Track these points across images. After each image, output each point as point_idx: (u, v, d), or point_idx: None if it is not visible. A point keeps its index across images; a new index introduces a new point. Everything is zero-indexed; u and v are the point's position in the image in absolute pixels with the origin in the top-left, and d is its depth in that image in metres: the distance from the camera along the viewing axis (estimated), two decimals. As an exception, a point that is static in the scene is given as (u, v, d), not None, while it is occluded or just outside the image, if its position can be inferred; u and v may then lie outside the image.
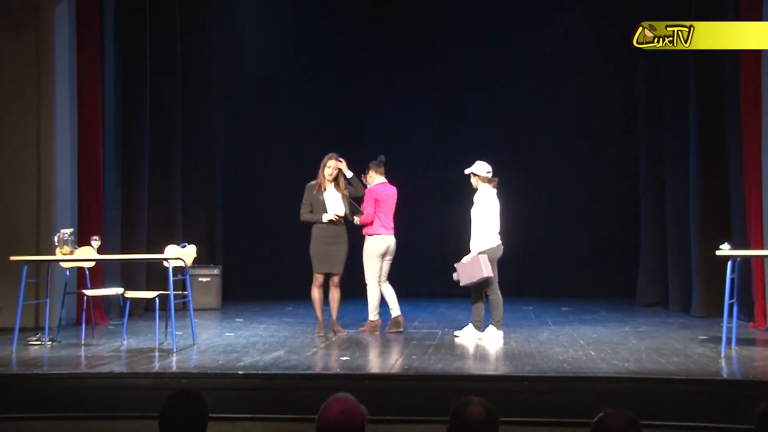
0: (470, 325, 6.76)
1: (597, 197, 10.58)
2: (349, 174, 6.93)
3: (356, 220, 7.05)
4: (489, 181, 6.74)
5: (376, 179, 7.14)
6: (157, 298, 6.33)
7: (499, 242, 6.69)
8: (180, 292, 6.67)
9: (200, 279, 9.17)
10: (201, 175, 9.91)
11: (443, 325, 7.55)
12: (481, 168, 6.74)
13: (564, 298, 10.05)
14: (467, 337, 6.68)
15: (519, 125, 10.53)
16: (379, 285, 7.03)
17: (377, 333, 6.96)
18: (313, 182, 6.92)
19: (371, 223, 7.00)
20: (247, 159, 10.75)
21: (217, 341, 6.55)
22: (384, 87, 10.68)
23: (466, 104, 10.61)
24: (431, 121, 10.78)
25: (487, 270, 6.47)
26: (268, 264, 10.71)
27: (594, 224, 10.56)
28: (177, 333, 6.33)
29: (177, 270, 6.31)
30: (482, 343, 6.44)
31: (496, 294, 6.64)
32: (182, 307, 8.20)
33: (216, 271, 9.32)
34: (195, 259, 6.61)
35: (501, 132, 10.39)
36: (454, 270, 6.63)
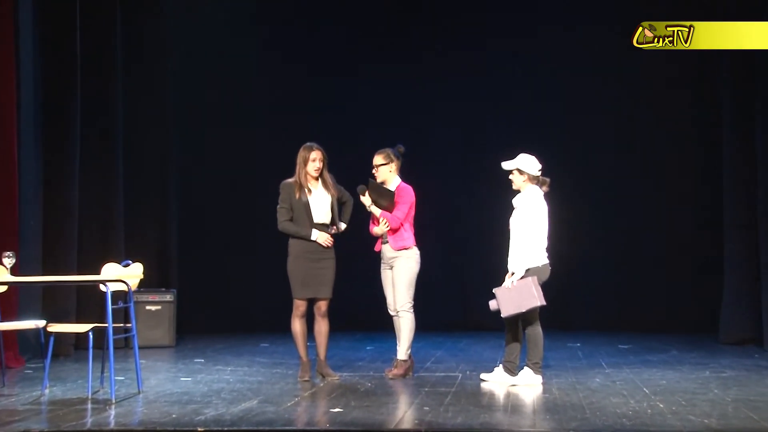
0: (500, 366, 6.75)
1: (667, 203, 10.59)
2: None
3: (380, 226, 6.95)
4: (538, 181, 6.73)
5: (395, 177, 7.09)
6: (90, 333, 6.30)
7: (547, 261, 6.68)
8: (121, 325, 6.62)
9: (148, 307, 9.16)
10: (150, 176, 9.92)
11: (464, 367, 7.53)
12: (529, 164, 6.69)
13: (622, 332, 10.02)
14: (496, 382, 6.66)
15: (564, 114, 10.55)
16: (398, 315, 7.02)
17: (409, 375, 7.03)
18: (290, 180, 6.88)
19: (397, 231, 6.94)
20: (210, 158, 10.78)
21: (170, 389, 6.52)
22: (384, 70, 10.72)
23: (491, 89, 10.67)
24: (447, 111, 10.81)
25: (540, 296, 6.47)
26: (236, 288, 10.72)
27: (663, 238, 10.56)
28: (117, 378, 6.28)
29: (118, 296, 6.28)
30: (516, 390, 6.42)
31: (535, 329, 6.63)
32: (124, 345, 8.15)
33: (169, 297, 9.32)
34: (141, 281, 6.59)
35: (539, 122, 10.41)
36: (492, 296, 6.61)
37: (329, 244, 6.83)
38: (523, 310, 6.50)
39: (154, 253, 9.71)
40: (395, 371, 7.01)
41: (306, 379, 6.81)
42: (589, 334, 9.88)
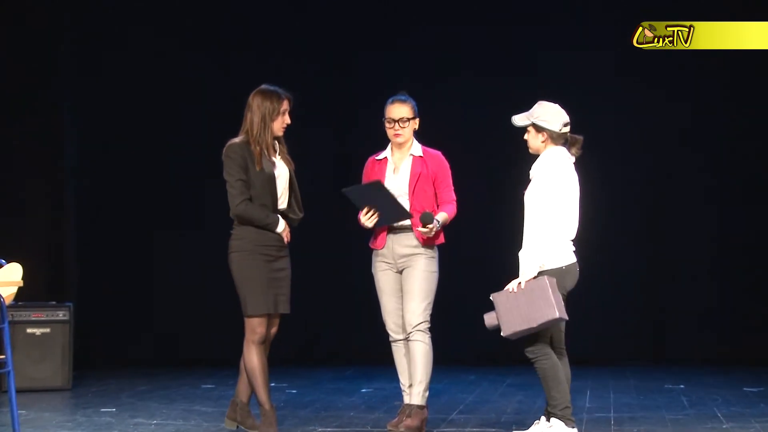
0: (551, 419, 6.68)
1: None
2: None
3: (434, 225, 6.90)
4: (565, 140, 6.75)
5: (413, 140, 7.16)
6: (-57, 369, 6.35)
7: (574, 259, 6.69)
8: (-10, 357, 6.65)
9: (32, 330, 9.23)
10: (33, 139, 10.04)
11: (508, 418, 7.62)
12: (550, 116, 6.66)
13: (747, 368, 10.12)
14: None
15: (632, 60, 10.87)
16: (409, 338, 7.06)
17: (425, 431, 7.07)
18: (238, 139, 6.83)
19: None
20: (122, 117, 10.98)
21: (62, 452, 6.57)
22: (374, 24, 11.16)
23: (511, 43, 11.17)
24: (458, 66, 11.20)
25: (559, 306, 6.45)
26: (162, 302, 10.85)
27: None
28: (-16, 436, 6.33)
29: (-17, 312, 6.31)
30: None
31: (561, 359, 6.66)
32: (-5, 387, 8.21)
33: (62, 315, 9.36)
34: (21, 290, 6.60)
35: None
36: (490, 306, 6.58)
37: (288, 239, 6.91)
38: (535, 326, 6.46)
39: (41, 250, 9.80)
40: (408, 422, 6.98)
41: (270, 437, 6.87)
42: (696, 372, 9.94)
